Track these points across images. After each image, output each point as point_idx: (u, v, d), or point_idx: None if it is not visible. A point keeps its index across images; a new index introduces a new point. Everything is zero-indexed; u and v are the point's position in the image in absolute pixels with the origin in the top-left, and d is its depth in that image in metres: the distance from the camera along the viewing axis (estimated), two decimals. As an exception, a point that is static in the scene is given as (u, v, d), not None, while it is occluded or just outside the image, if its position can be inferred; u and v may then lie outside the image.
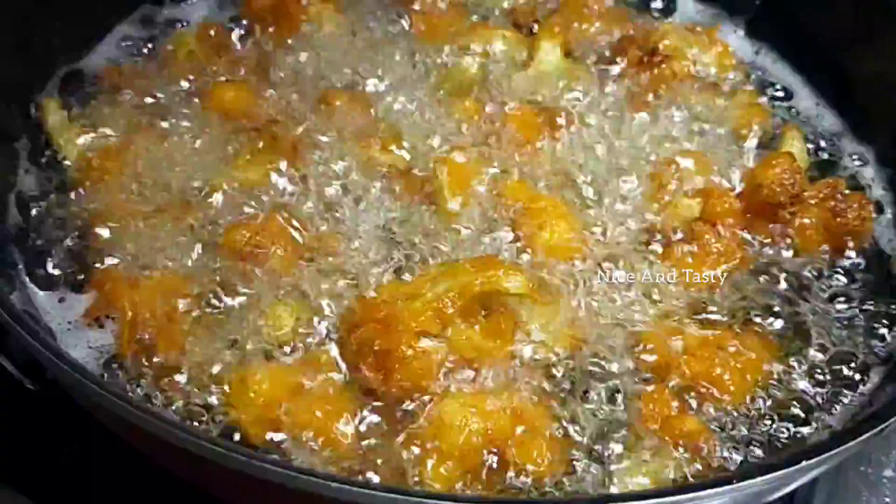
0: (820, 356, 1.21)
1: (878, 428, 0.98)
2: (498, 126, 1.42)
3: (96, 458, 1.24)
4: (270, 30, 1.55)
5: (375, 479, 1.04)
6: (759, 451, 1.11)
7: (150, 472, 1.13)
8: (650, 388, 1.14)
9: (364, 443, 1.07)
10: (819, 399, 1.17)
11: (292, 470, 0.86)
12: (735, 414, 1.14)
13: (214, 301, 1.19)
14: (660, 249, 1.29)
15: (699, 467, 1.09)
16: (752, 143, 1.47)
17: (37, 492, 1.21)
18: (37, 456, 1.25)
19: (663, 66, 1.51)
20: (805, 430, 1.14)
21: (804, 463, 0.93)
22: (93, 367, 1.14)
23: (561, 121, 1.44)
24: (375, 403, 1.09)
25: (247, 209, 1.29)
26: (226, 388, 1.10)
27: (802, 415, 1.15)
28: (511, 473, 1.05)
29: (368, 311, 1.12)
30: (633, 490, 1.05)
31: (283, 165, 1.34)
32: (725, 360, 1.16)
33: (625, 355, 1.17)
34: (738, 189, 1.34)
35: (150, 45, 1.56)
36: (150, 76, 1.48)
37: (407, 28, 1.59)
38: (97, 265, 1.23)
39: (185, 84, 1.46)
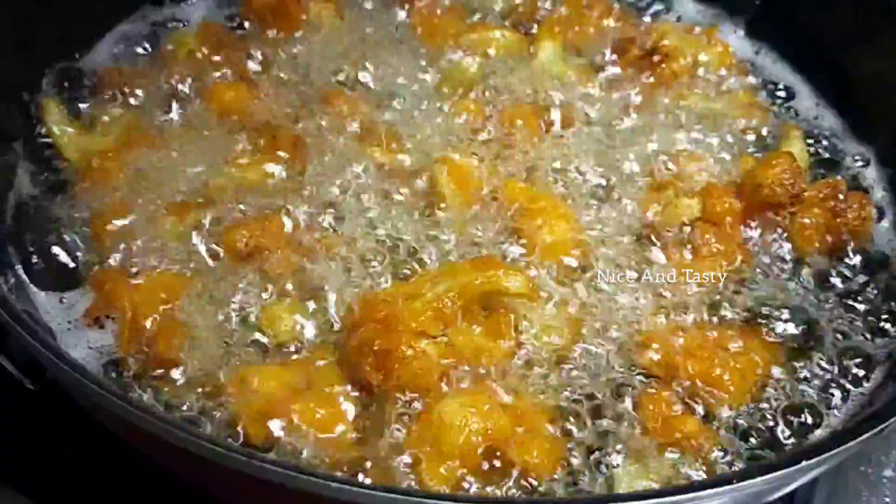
0: (819, 356, 1.21)
1: (878, 428, 0.98)
2: (498, 126, 1.42)
3: (96, 458, 1.24)
4: (270, 29, 1.55)
5: (375, 479, 1.04)
6: (759, 451, 1.11)
7: (150, 472, 1.13)
8: (650, 388, 1.14)
9: (364, 443, 1.07)
10: (819, 399, 1.17)
11: (292, 470, 0.86)
12: (735, 414, 1.14)
13: (214, 301, 1.19)
14: (660, 249, 1.29)
15: (699, 467, 1.09)
16: (751, 142, 1.47)
17: (37, 492, 1.21)
18: (37, 456, 1.25)
19: (663, 66, 1.51)
20: (805, 430, 1.14)
21: (804, 463, 0.93)
22: (93, 368, 1.14)
23: (561, 121, 1.44)
24: (375, 403, 1.09)
25: (247, 209, 1.29)
26: (226, 387, 1.10)
27: (802, 415, 1.15)
28: (511, 473, 1.05)
29: (368, 311, 1.12)
30: (633, 490, 1.05)
31: (283, 165, 1.34)
32: (725, 361, 1.16)
33: (625, 355, 1.17)
34: (738, 189, 1.33)
35: (150, 45, 1.56)
36: (150, 76, 1.48)
37: (407, 28, 1.59)
38: (97, 265, 1.23)
39: (185, 84, 1.46)
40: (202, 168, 1.34)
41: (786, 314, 1.24)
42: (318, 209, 1.30)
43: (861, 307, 1.27)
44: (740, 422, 1.13)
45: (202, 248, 1.24)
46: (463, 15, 1.63)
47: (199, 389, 1.11)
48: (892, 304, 1.28)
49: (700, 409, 1.14)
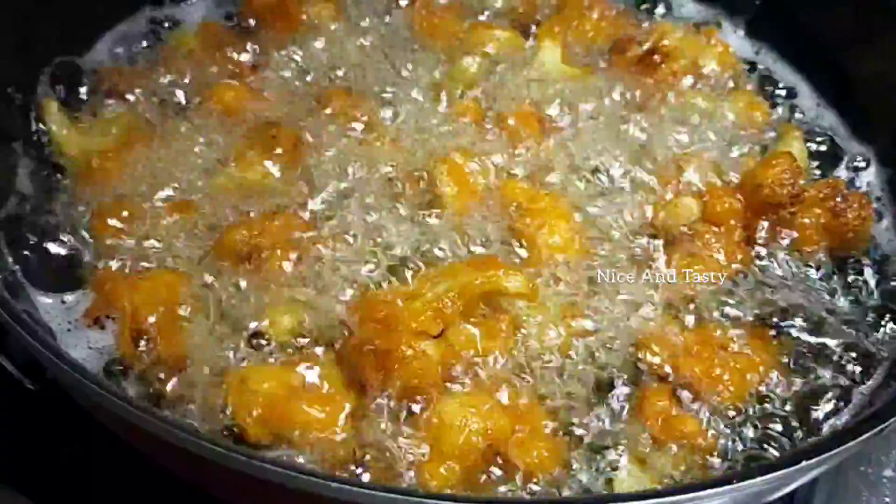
0: (819, 356, 1.21)
1: (878, 428, 0.98)
2: (498, 126, 1.42)
3: (96, 458, 1.24)
4: (271, 29, 1.55)
5: (375, 478, 1.04)
6: (759, 451, 1.11)
7: (150, 472, 1.13)
8: (650, 388, 1.14)
9: (364, 443, 1.07)
10: (818, 399, 1.17)
11: (292, 470, 0.86)
12: (735, 414, 1.14)
13: (214, 301, 1.19)
14: (660, 249, 1.29)
15: (698, 466, 1.09)
16: (751, 142, 1.47)
17: (37, 492, 1.21)
18: (37, 456, 1.25)
19: (663, 66, 1.51)
20: (805, 430, 1.14)
21: (804, 463, 0.93)
22: (93, 368, 1.14)
23: (561, 121, 1.45)
24: (375, 403, 1.09)
25: (247, 209, 1.29)
26: (226, 387, 1.10)
27: (802, 415, 1.15)
28: (511, 473, 1.05)
29: (368, 311, 1.12)
30: (633, 490, 1.05)
31: (283, 165, 1.34)
32: (725, 361, 1.16)
33: (625, 355, 1.17)
34: (738, 189, 1.33)
35: (150, 45, 1.56)
36: (150, 76, 1.48)
37: (407, 28, 1.59)
38: (97, 265, 1.23)
39: (184, 84, 1.46)
40: (202, 168, 1.34)
41: (785, 314, 1.24)
42: (318, 209, 1.30)
43: (861, 307, 1.28)
44: (740, 421, 1.13)
45: (202, 248, 1.24)
46: (463, 15, 1.63)
47: (199, 389, 1.11)
48: (892, 303, 1.28)
49: (700, 409, 1.14)
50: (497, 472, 1.05)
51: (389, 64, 1.52)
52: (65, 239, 1.27)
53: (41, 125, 1.38)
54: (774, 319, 1.23)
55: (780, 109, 1.56)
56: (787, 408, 1.15)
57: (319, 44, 1.54)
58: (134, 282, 1.19)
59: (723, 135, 1.47)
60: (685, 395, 1.14)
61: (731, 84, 1.57)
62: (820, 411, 1.16)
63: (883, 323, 1.26)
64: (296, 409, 1.07)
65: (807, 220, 1.31)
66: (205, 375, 1.12)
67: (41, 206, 1.30)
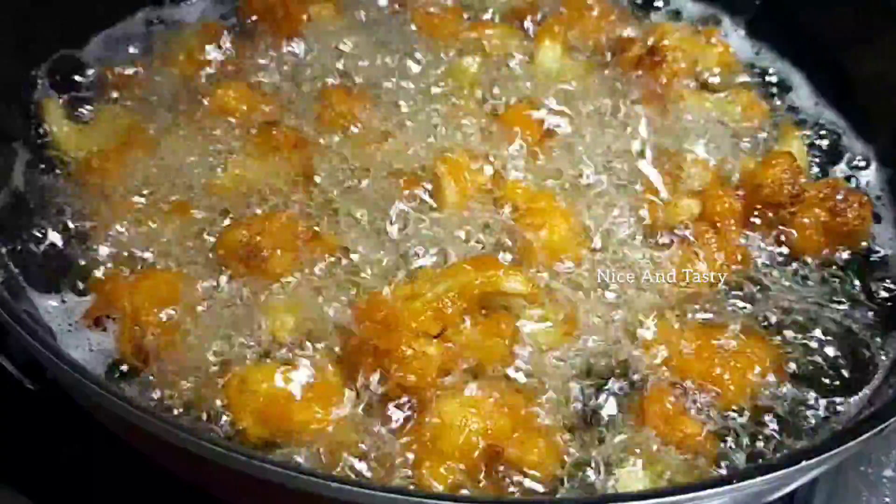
0: (819, 355, 1.21)
1: (878, 428, 0.98)
2: (498, 125, 1.42)
3: (96, 458, 1.24)
4: (270, 29, 1.55)
5: (375, 478, 1.04)
6: (759, 451, 1.11)
7: (150, 472, 1.13)
8: (650, 387, 1.14)
9: (364, 443, 1.07)
10: (818, 398, 1.17)
11: (292, 470, 0.86)
12: (735, 413, 1.14)
13: (214, 301, 1.19)
14: (660, 249, 1.29)
15: (699, 467, 1.09)
16: (751, 142, 1.47)
17: (37, 492, 1.21)
18: (37, 456, 1.25)
19: (663, 65, 1.51)
20: (805, 430, 1.14)
21: (804, 463, 0.93)
22: (94, 369, 1.14)
23: (561, 120, 1.44)
24: (375, 403, 1.09)
25: (247, 209, 1.29)
26: (226, 387, 1.10)
27: (802, 415, 1.15)
28: (511, 473, 1.05)
29: (368, 311, 1.12)
30: (633, 490, 1.05)
31: (283, 165, 1.34)
32: (725, 360, 1.16)
33: (625, 355, 1.17)
34: (738, 189, 1.33)
35: (150, 45, 1.56)
36: (150, 76, 1.48)
37: (407, 27, 1.59)
38: (97, 266, 1.23)
39: (184, 84, 1.46)
40: (202, 168, 1.34)
41: (785, 314, 1.24)
42: (317, 209, 1.30)
43: (861, 306, 1.27)
44: (740, 421, 1.13)
45: (202, 248, 1.24)
46: (463, 15, 1.63)
47: (199, 389, 1.11)
48: (892, 303, 1.28)
49: (700, 409, 1.13)
50: (497, 471, 1.05)
51: (389, 64, 1.52)
52: (65, 239, 1.27)
53: (41, 125, 1.38)
54: (774, 319, 1.23)
55: (779, 109, 1.56)
56: (787, 408, 1.15)
57: (319, 43, 1.54)
58: (134, 282, 1.19)
59: (723, 135, 1.47)
60: (685, 395, 1.14)
61: (730, 84, 1.57)
62: (820, 411, 1.16)
63: (883, 323, 1.26)
64: (295, 409, 1.07)
65: (806, 220, 1.31)
66: (205, 375, 1.12)
67: (41, 206, 1.30)
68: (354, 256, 1.24)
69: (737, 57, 1.61)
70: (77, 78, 1.48)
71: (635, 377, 1.15)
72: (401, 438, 1.06)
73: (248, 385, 1.09)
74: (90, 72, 1.49)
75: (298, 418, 1.06)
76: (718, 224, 1.30)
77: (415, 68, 1.52)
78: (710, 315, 1.23)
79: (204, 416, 1.09)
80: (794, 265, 1.30)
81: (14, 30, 1.37)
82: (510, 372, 1.14)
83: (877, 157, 1.48)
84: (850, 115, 1.54)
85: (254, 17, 1.58)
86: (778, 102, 1.57)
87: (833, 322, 1.25)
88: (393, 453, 1.05)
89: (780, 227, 1.32)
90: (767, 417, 1.14)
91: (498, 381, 1.13)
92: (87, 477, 1.25)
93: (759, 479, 0.91)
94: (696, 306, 1.24)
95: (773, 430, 1.13)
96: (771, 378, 1.18)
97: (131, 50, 1.55)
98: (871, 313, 1.27)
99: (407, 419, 1.08)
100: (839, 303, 1.27)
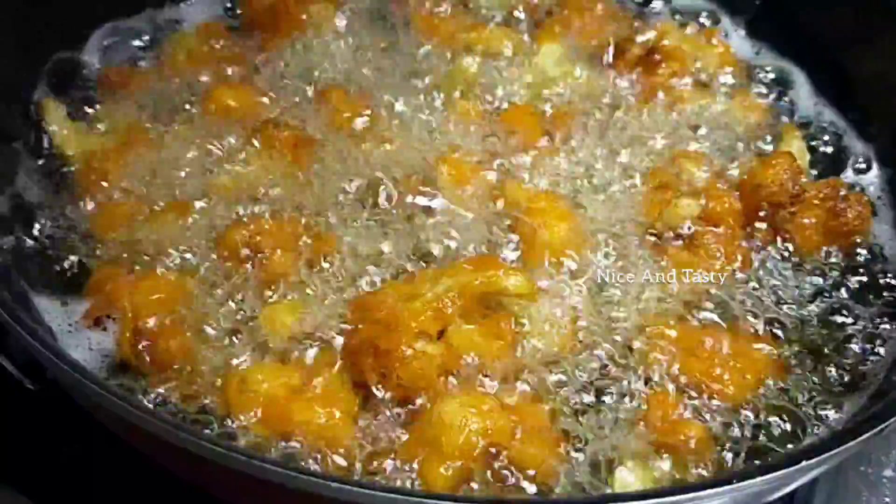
0: (819, 355, 1.21)
1: (878, 428, 0.98)
2: (498, 126, 1.42)
3: (96, 458, 1.24)
4: (270, 29, 1.55)
5: (375, 478, 1.04)
6: (759, 451, 1.11)
7: (150, 472, 1.13)
8: (650, 388, 1.14)
9: (363, 443, 1.07)
10: (819, 399, 1.17)
11: (292, 470, 0.86)
12: (735, 414, 1.14)
13: (214, 300, 1.19)
14: (660, 249, 1.29)
15: (698, 467, 1.09)
16: (751, 142, 1.47)
17: (37, 492, 1.21)
18: (37, 456, 1.25)
19: (663, 65, 1.51)
20: (805, 430, 1.14)
21: (804, 463, 0.93)
22: (93, 369, 1.14)
23: (560, 121, 1.44)
24: (375, 403, 1.09)
25: (247, 209, 1.29)
26: (226, 387, 1.10)
27: (802, 414, 1.15)
28: (511, 473, 1.05)
29: (368, 311, 1.12)
30: (632, 490, 1.05)
31: (283, 165, 1.34)
32: (725, 361, 1.16)
33: (624, 355, 1.17)
34: (738, 189, 1.33)
35: (150, 46, 1.56)
36: (150, 76, 1.48)
37: (407, 28, 1.59)
38: (97, 266, 1.23)
39: (185, 84, 1.46)
40: (202, 168, 1.34)
41: (785, 314, 1.24)
42: (318, 209, 1.30)
43: (860, 307, 1.27)
44: (740, 421, 1.13)
45: (202, 248, 1.24)
46: (463, 15, 1.63)
47: (199, 389, 1.11)
48: (892, 303, 1.28)
49: (700, 409, 1.13)
50: (497, 471, 1.05)
51: (389, 64, 1.52)
52: (65, 239, 1.27)
53: (41, 125, 1.38)
54: (774, 319, 1.23)
55: (779, 109, 1.56)
56: (787, 407, 1.15)
57: (319, 43, 1.54)
58: (134, 282, 1.19)
59: (723, 134, 1.47)
60: (685, 394, 1.14)
61: (731, 84, 1.57)
62: (820, 411, 1.16)
63: (883, 323, 1.26)
64: (295, 409, 1.07)
65: (806, 220, 1.31)
66: (205, 375, 1.12)
67: (41, 206, 1.30)
68: (354, 256, 1.24)
69: (737, 57, 1.61)
70: (77, 78, 1.48)
71: (635, 377, 1.15)
72: (401, 438, 1.06)
73: (248, 385, 1.09)
74: (90, 72, 1.49)
75: (298, 418, 1.06)
76: (718, 224, 1.30)
77: (415, 68, 1.52)
78: (710, 315, 1.23)
79: (204, 416, 1.09)
80: (794, 265, 1.30)
81: (14, 30, 1.37)
82: (510, 372, 1.14)
83: (877, 157, 1.48)
84: (850, 115, 1.54)
85: (254, 17, 1.58)
86: (778, 102, 1.57)
87: (833, 322, 1.25)
88: (393, 453, 1.05)
89: (780, 228, 1.32)
90: (767, 417, 1.14)
91: (498, 380, 1.12)
92: (87, 477, 1.25)
93: (759, 479, 0.91)
94: (697, 306, 1.24)
95: (773, 429, 1.13)
96: (771, 378, 1.18)
97: (131, 50, 1.55)
98: (871, 313, 1.27)
99: (407, 419, 1.08)
100: (839, 303, 1.27)
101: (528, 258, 1.25)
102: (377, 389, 1.09)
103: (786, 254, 1.31)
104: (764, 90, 1.59)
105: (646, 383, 1.15)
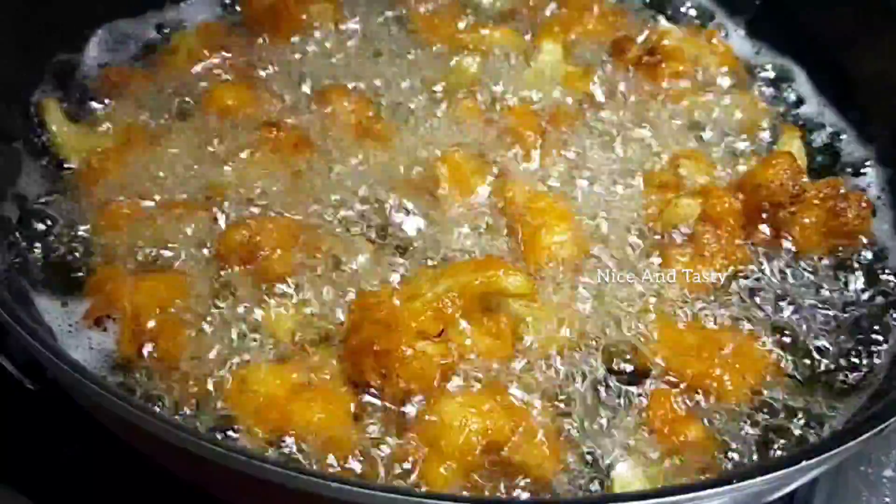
0: (819, 355, 1.21)
1: (878, 428, 0.98)
2: (498, 125, 1.43)
3: (96, 458, 1.24)
4: (270, 29, 1.55)
5: (375, 478, 1.04)
6: (759, 451, 1.11)
7: (150, 472, 1.13)
8: (650, 388, 1.14)
9: (364, 443, 1.07)
10: (819, 399, 1.17)
11: (292, 470, 0.86)
12: (735, 414, 1.14)
13: (214, 301, 1.19)
14: (660, 250, 1.29)
15: (699, 467, 1.09)
16: (751, 142, 1.47)
17: (37, 492, 1.21)
18: (37, 456, 1.25)
19: (663, 65, 1.51)
20: (805, 430, 1.13)
21: (804, 463, 0.93)
22: (94, 369, 1.13)
23: (560, 120, 1.44)
24: (375, 403, 1.09)
25: (247, 209, 1.29)
26: (226, 387, 1.10)
27: (803, 415, 1.15)
28: (511, 473, 1.05)
29: (368, 311, 1.12)
30: (633, 490, 1.05)
31: (283, 165, 1.34)
32: (725, 360, 1.16)
33: (624, 356, 1.17)
34: (738, 189, 1.33)
35: (150, 46, 1.56)
36: (150, 76, 1.48)
37: (407, 27, 1.60)
38: (98, 266, 1.23)
39: (185, 84, 1.46)
40: (202, 168, 1.34)
41: (785, 314, 1.24)
42: (318, 208, 1.30)
43: (861, 307, 1.27)
44: (740, 422, 1.13)
45: (202, 248, 1.24)
46: (463, 15, 1.63)
47: (200, 389, 1.11)
48: (892, 303, 1.28)
49: (700, 409, 1.13)
50: (497, 471, 1.05)
51: (390, 63, 1.52)
52: (65, 239, 1.27)
53: (41, 125, 1.38)
54: (774, 319, 1.23)
55: (779, 109, 1.56)
56: (787, 407, 1.15)
57: (319, 43, 1.54)
58: (134, 282, 1.19)
59: (723, 135, 1.47)
60: (685, 395, 1.14)
61: (731, 84, 1.57)
62: (819, 411, 1.15)
63: (882, 323, 1.26)
64: (295, 409, 1.07)
65: (806, 220, 1.31)
66: (205, 375, 1.12)
67: (42, 206, 1.30)
68: (354, 256, 1.24)
69: (737, 57, 1.61)
70: (77, 78, 1.48)
71: (635, 377, 1.15)
72: (401, 438, 1.06)
73: (248, 385, 1.09)
74: (90, 72, 1.49)
75: (298, 418, 1.06)
76: (718, 224, 1.30)
77: (415, 68, 1.52)
78: (710, 315, 1.23)
79: (205, 416, 1.09)
80: (794, 265, 1.30)
81: (14, 30, 1.37)
82: (510, 372, 1.14)
83: (877, 157, 1.48)
84: (850, 115, 1.54)
85: (254, 17, 1.58)
86: (778, 102, 1.57)
87: (833, 322, 1.25)
88: (393, 453, 1.05)
89: (781, 227, 1.31)
90: (767, 417, 1.14)
91: (498, 381, 1.12)
92: (87, 477, 1.25)
93: (759, 479, 0.91)
94: (697, 306, 1.24)
95: (773, 429, 1.13)
96: (771, 378, 1.18)
97: (132, 50, 1.55)
98: (870, 313, 1.27)
99: (407, 419, 1.08)
100: (839, 303, 1.27)
101: (528, 258, 1.25)
102: (377, 389, 1.09)
103: (786, 254, 1.31)
104: (764, 90, 1.59)
105: (646, 383, 1.15)
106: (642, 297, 1.23)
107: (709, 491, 0.89)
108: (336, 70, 1.50)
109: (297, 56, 1.52)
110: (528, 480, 1.05)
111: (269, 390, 1.08)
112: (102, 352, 1.16)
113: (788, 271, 1.30)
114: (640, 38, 1.56)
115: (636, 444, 1.10)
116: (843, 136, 1.52)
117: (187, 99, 1.44)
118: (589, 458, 1.08)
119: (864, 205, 1.33)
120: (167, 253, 1.24)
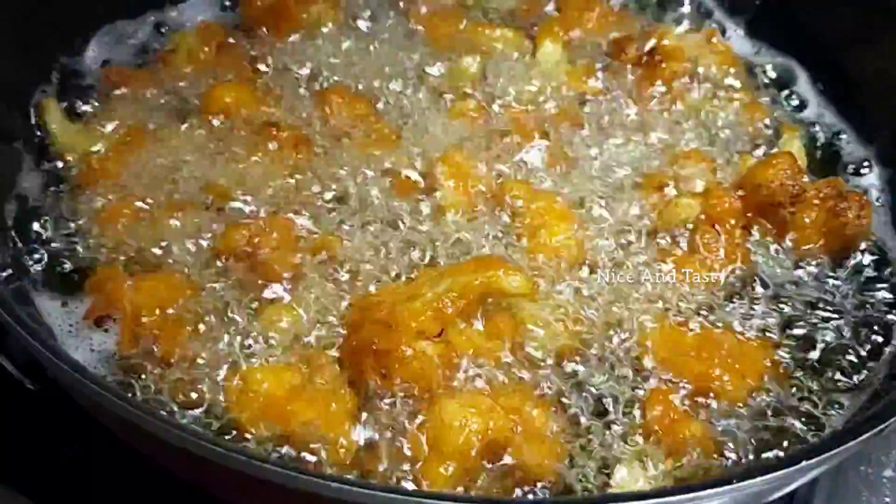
0: (819, 356, 1.21)
1: (878, 428, 0.98)
2: (498, 125, 1.43)
3: (96, 458, 1.24)
4: (271, 29, 1.55)
5: (375, 479, 1.04)
6: (759, 451, 1.11)
7: (150, 472, 1.13)
8: (650, 388, 1.14)
9: (364, 443, 1.07)
10: (819, 399, 1.17)
11: (292, 470, 0.86)
12: (735, 414, 1.14)
13: (215, 301, 1.19)
14: (659, 250, 1.29)
15: (699, 467, 1.09)
16: (751, 142, 1.47)
17: (37, 492, 1.21)
18: (37, 456, 1.25)
19: (663, 65, 1.51)
20: (805, 430, 1.13)
21: (804, 463, 0.93)
22: (94, 369, 1.13)
23: (561, 121, 1.44)
24: (375, 403, 1.09)
25: (247, 209, 1.29)
26: (226, 387, 1.10)
27: (802, 414, 1.15)
28: (511, 473, 1.05)
29: (368, 311, 1.12)
30: (633, 490, 1.05)
31: (284, 165, 1.34)
32: (725, 361, 1.16)
33: (625, 356, 1.17)
34: (738, 189, 1.33)
35: (150, 46, 1.56)
36: (150, 77, 1.48)
37: (407, 27, 1.60)
38: (98, 266, 1.23)
39: (185, 84, 1.46)
40: (202, 168, 1.34)
41: (785, 314, 1.24)
42: (318, 209, 1.30)
43: (860, 306, 1.27)
44: (740, 422, 1.13)
45: (203, 248, 1.24)
46: (463, 15, 1.63)
47: (200, 389, 1.11)
48: (892, 303, 1.28)
49: (700, 409, 1.13)
50: (497, 471, 1.05)
51: (390, 63, 1.52)
52: (65, 239, 1.27)
53: (41, 125, 1.38)
54: (774, 319, 1.23)
55: (779, 109, 1.56)
56: (787, 408, 1.15)
57: (319, 43, 1.54)
58: (135, 282, 1.19)
59: (723, 135, 1.47)
60: (685, 395, 1.14)
61: (730, 84, 1.56)
62: (819, 411, 1.15)
63: (882, 323, 1.26)
64: (295, 409, 1.07)
65: (807, 220, 1.31)
66: (205, 375, 1.12)
67: (42, 206, 1.30)
68: (354, 256, 1.24)
69: (737, 57, 1.61)
70: (77, 78, 1.48)
71: (635, 377, 1.15)
72: (401, 438, 1.06)
73: (249, 385, 1.09)
74: (90, 72, 1.49)
75: (298, 418, 1.06)
76: (718, 224, 1.30)
77: (415, 68, 1.52)
78: (710, 315, 1.23)
79: (204, 416, 1.09)
80: (794, 265, 1.30)
81: (14, 30, 1.37)
82: (510, 372, 1.14)
83: (877, 157, 1.48)
84: (850, 115, 1.54)
85: (254, 17, 1.58)
86: (778, 102, 1.57)
87: (832, 322, 1.25)
88: (393, 453, 1.05)
89: (781, 227, 1.31)
90: (767, 417, 1.14)
91: (498, 381, 1.12)
92: (87, 477, 1.25)
93: (759, 479, 0.91)
94: (696, 306, 1.23)
95: (773, 430, 1.13)
96: (770, 378, 1.17)
97: (131, 50, 1.55)
98: (870, 314, 1.27)
99: (407, 419, 1.08)
100: (839, 303, 1.27)
101: (527, 258, 1.25)
102: (377, 389, 1.09)
103: (786, 253, 1.31)
104: (764, 90, 1.59)
105: (646, 383, 1.15)
106: (642, 297, 1.23)
107: (709, 491, 0.89)
108: (336, 70, 1.50)
109: (297, 56, 1.52)
110: (528, 480, 1.05)
111: (269, 390, 1.08)
112: (103, 352, 1.16)
113: (788, 271, 1.30)
114: (640, 39, 1.56)
115: (636, 444, 1.10)
116: (843, 136, 1.52)
117: (187, 99, 1.44)
118: (589, 457, 1.08)
119: (864, 205, 1.32)
120: (167, 253, 1.24)
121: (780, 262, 1.30)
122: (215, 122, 1.40)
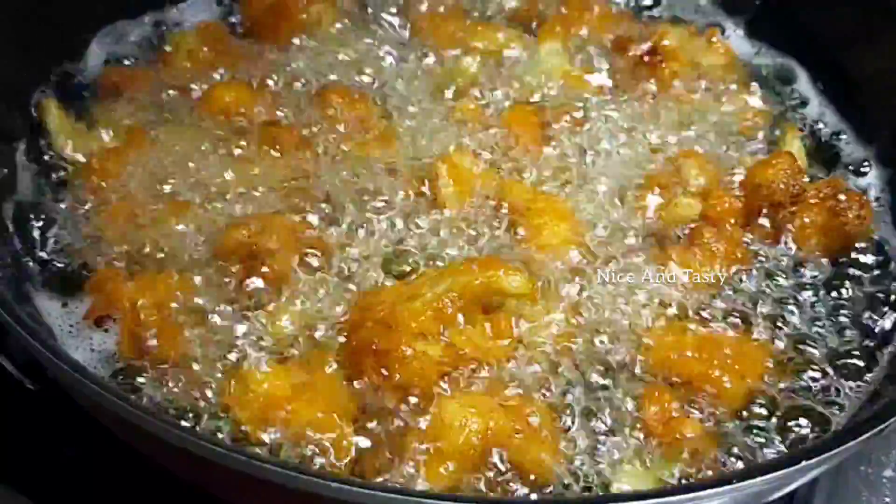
0: (819, 356, 1.21)
1: (878, 428, 0.98)
2: (498, 125, 1.42)
3: (96, 458, 1.24)
4: (270, 29, 1.55)
5: (375, 479, 1.04)
6: (758, 451, 1.11)
7: (150, 472, 1.13)
8: (650, 388, 1.14)
9: (364, 443, 1.07)
10: (818, 399, 1.17)
11: (292, 470, 0.86)
12: (734, 414, 1.14)
13: (214, 301, 1.19)
14: (659, 250, 1.29)
15: (699, 467, 1.09)
16: (751, 142, 1.47)
17: (37, 492, 1.21)
18: (37, 456, 1.25)
19: (663, 66, 1.51)
20: (805, 430, 1.13)
21: (804, 463, 0.93)
22: (94, 369, 1.14)
23: (561, 120, 1.44)
24: (375, 404, 1.09)
25: (247, 209, 1.29)
26: (226, 387, 1.10)
27: (802, 415, 1.15)
28: (511, 474, 1.05)
29: (368, 311, 1.12)
30: (632, 490, 1.05)
31: (284, 165, 1.34)
32: (725, 361, 1.16)
33: (624, 356, 1.17)
34: (738, 189, 1.33)
35: (150, 46, 1.56)
36: (149, 76, 1.48)
37: (407, 27, 1.60)
38: (98, 266, 1.23)
39: (184, 84, 1.46)
40: (202, 168, 1.34)
41: (785, 314, 1.24)
42: (318, 209, 1.30)
43: (860, 306, 1.27)
44: (740, 422, 1.13)
45: (202, 248, 1.24)
46: (463, 15, 1.63)
47: (200, 389, 1.11)
48: (892, 303, 1.28)
49: (700, 410, 1.13)
50: (497, 472, 1.05)
51: (390, 63, 1.52)
52: (65, 239, 1.27)
53: (41, 125, 1.38)
54: (774, 319, 1.23)
55: (779, 109, 1.56)
56: (786, 408, 1.15)
57: (319, 43, 1.54)
58: (135, 282, 1.19)
59: (723, 135, 1.47)
60: (685, 395, 1.14)
61: (730, 84, 1.56)
62: (819, 411, 1.15)
63: (882, 323, 1.26)
64: (296, 410, 1.06)
65: (807, 220, 1.31)
66: (205, 375, 1.12)
67: (42, 206, 1.30)
68: (355, 256, 1.24)
69: (737, 57, 1.61)
70: (77, 78, 1.48)
71: (635, 377, 1.15)
72: (400, 438, 1.06)
73: (248, 385, 1.09)
74: (90, 72, 1.49)
75: (298, 419, 1.06)
76: (718, 224, 1.30)
77: (415, 68, 1.52)
78: (709, 315, 1.23)
79: (204, 416, 1.09)
80: (794, 265, 1.30)
81: (14, 30, 1.37)
82: (510, 372, 1.14)
83: (877, 157, 1.48)
84: (850, 115, 1.54)
85: (254, 17, 1.58)
86: (778, 102, 1.57)
87: (832, 322, 1.25)
88: (393, 453, 1.05)
89: (781, 227, 1.31)
90: (767, 417, 1.14)
91: (498, 381, 1.12)
92: (87, 477, 1.25)
93: (759, 479, 0.91)
94: (696, 306, 1.23)
95: (773, 429, 1.13)
96: (770, 378, 1.17)
97: (131, 50, 1.55)
98: (871, 313, 1.27)
99: (406, 419, 1.08)
100: (839, 302, 1.27)
101: (527, 258, 1.25)
102: (377, 389, 1.09)
103: (786, 254, 1.31)
104: (764, 90, 1.58)
105: (645, 383, 1.15)
106: (642, 297, 1.23)
107: (709, 491, 0.89)
108: (336, 69, 1.50)
109: (297, 55, 1.52)
110: (528, 480, 1.05)
111: (269, 390, 1.08)
112: (103, 352, 1.16)
113: (788, 271, 1.30)
114: (641, 39, 1.56)
115: (636, 444, 1.10)
116: (843, 136, 1.52)
117: (187, 99, 1.44)
118: (589, 457, 1.08)
119: (864, 205, 1.32)
120: (167, 253, 1.24)
121: (779, 261, 1.30)
122: (215, 123, 1.40)
